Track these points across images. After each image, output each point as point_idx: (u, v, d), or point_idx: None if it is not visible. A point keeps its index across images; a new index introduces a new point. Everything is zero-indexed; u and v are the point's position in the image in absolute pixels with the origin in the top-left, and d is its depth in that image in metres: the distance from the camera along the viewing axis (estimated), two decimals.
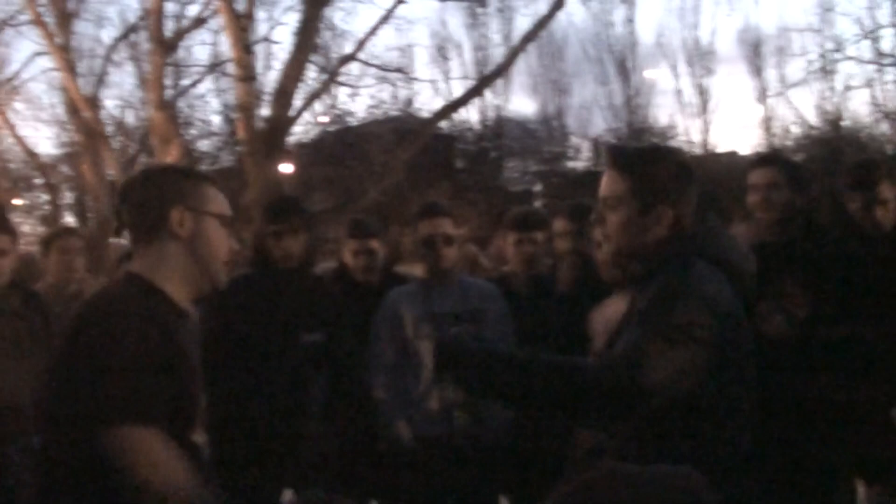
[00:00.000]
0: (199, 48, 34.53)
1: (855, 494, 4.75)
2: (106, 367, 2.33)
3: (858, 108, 35.55)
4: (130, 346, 2.36)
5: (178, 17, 21.28)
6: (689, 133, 31.18)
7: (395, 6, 18.43)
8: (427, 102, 30.39)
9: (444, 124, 25.13)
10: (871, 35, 26.08)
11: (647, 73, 31.55)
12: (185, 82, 26.15)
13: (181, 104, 26.82)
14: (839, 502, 4.46)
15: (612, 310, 3.33)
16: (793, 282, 4.28)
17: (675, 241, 2.79)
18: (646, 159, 2.89)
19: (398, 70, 25.38)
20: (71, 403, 2.36)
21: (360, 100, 39.30)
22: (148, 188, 2.72)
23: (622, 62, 31.53)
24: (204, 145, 29.60)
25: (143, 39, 25.21)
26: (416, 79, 28.42)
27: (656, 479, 1.46)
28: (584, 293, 4.57)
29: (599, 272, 2.98)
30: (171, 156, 15.88)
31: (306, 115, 22.62)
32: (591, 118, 31.97)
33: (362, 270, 5.21)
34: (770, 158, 4.94)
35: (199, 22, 20.12)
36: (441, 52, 31.15)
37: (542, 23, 18.72)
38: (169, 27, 18.73)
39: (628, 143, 3.54)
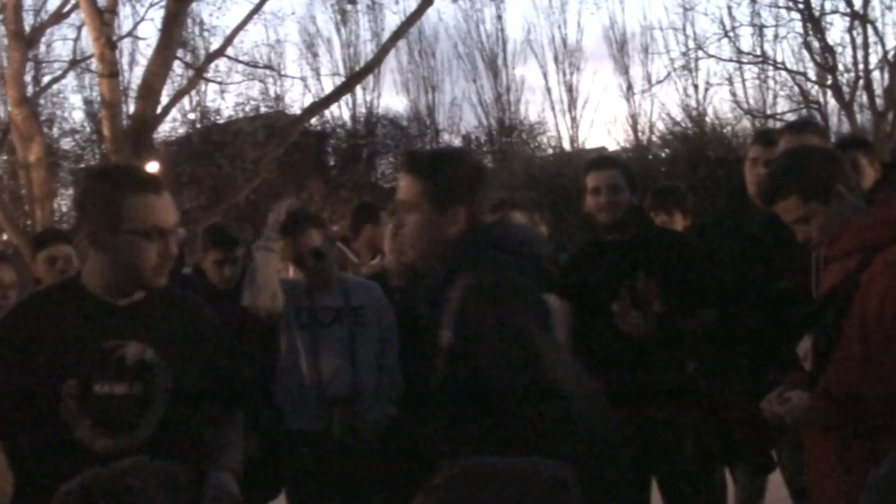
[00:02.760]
0: (61, 43, 33.55)
1: (724, 481, 4.90)
2: None
3: (720, 105, 36.64)
4: None
5: (38, 10, 20.75)
6: (558, 129, 31.69)
7: (263, 1, 18.25)
8: (297, 99, 30.19)
9: (315, 121, 25.00)
10: (731, 34, 26.91)
11: (517, 70, 31.92)
12: (47, 78, 25.53)
13: (43, 101, 26.13)
14: (712, 487, 4.60)
15: None
16: (644, 279, 4.38)
17: (471, 238, 2.93)
18: (439, 162, 3.03)
19: (267, 66, 25.21)
20: None
21: (229, 97, 38.99)
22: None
23: (492, 59, 31.84)
24: (67, 143, 28.88)
25: (0, 33, 24.54)
26: (285, 75, 28.33)
27: (520, 472, 1.47)
28: None
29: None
30: (32, 154, 15.41)
31: (173, 113, 22.27)
32: (462, 115, 32.20)
33: (223, 280, 5.12)
34: (610, 160, 5.03)
35: (60, 16, 19.61)
36: (310, 49, 31.02)
37: (412, 19, 18.74)
38: (28, 21, 18.23)
39: (424, 149, 3.69)
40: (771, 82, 28.54)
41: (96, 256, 2.83)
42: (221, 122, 26.67)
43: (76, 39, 23.24)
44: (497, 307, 2.73)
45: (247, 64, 22.69)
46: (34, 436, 2.73)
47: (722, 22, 27.56)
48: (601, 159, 5.03)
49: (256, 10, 18.52)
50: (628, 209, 4.58)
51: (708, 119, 26.79)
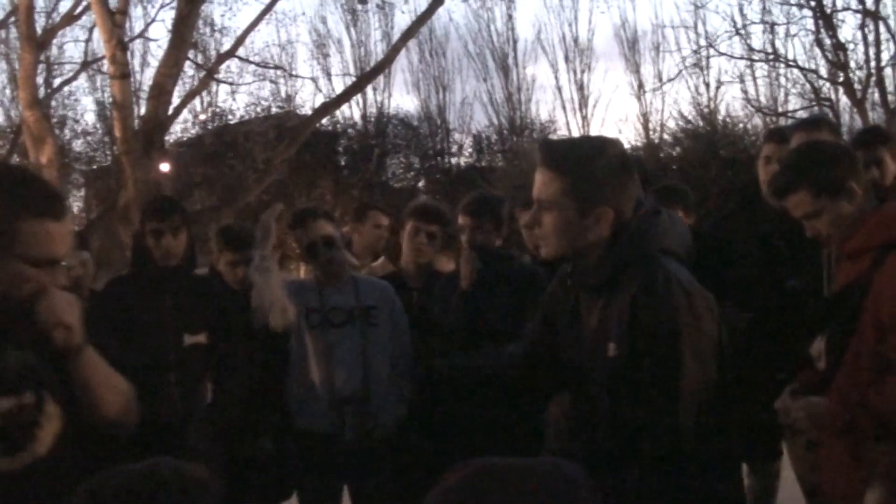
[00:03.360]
0: (73, 45, 33.72)
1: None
2: None
3: (732, 103, 36.58)
4: None
5: (49, 13, 20.83)
6: (569, 128, 31.68)
7: (273, 2, 18.27)
8: (308, 100, 30.30)
9: (326, 121, 25.02)
10: (742, 31, 26.86)
11: (528, 70, 31.93)
12: (59, 80, 25.64)
13: (54, 103, 26.24)
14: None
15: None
16: None
17: (629, 238, 2.74)
18: (581, 156, 2.77)
19: (278, 67, 25.25)
20: None
21: (240, 97, 39.06)
22: None
23: (503, 58, 31.85)
24: (79, 144, 29.00)
25: (12, 36, 24.64)
26: (296, 76, 28.40)
27: (533, 472, 1.47)
28: (484, 288, 4.58)
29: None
30: (44, 155, 15.45)
31: (185, 114, 22.32)
32: (473, 114, 32.22)
33: (237, 281, 5.12)
34: None
35: (72, 18, 19.67)
36: (321, 49, 31.07)
37: (422, 19, 18.76)
38: (40, 23, 18.28)
39: (563, 140, 3.47)
40: (782, 80, 28.56)
41: None
42: (233, 122, 26.73)
43: (88, 41, 23.35)
44: (665, 320, 2.59)
45: (258, 64, 22.73)
46: None
47: (733, 19, 27.60)
48: None
49: (267, 10, 18.56)
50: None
51: (719, 117, 26.76)
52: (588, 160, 2.74)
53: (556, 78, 32.81)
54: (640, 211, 2.79)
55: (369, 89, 29.26)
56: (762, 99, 28.39)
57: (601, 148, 2.79)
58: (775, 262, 4.41)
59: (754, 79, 28.45)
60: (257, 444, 4.74)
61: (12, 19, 21.18)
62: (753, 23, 27.29)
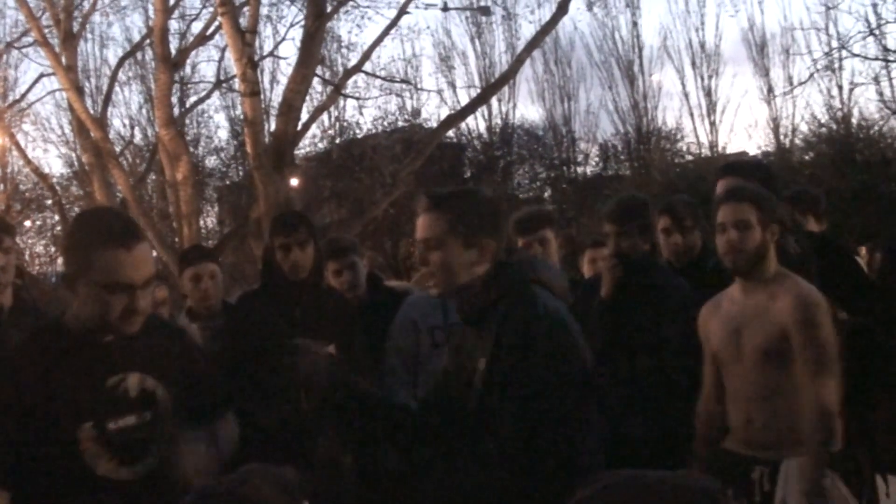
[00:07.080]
0: (205, 65, 34.71)
1: (876, 490, 4.73)
2: None
3: (867, 105, 35.50)
4: None
5: (183, 34, 21.47)
6: (696, 135, 31.20)
7: (398, 17, 18.46)
8: (433, 112, 30.64)
9: (451, 133, 25.17)
10: (876, 31, 26.02)
11: (654, 77, 31.57)
12: (192, 99, 26.41)
13: (189, 121, 27.04)
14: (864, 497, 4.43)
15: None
16: None
17: (503, 271, 2.98)
18: (460, 196, 3.08)
19: (404, 81, 25.50)
20: None
21: (367, 111, 39.65)
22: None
23: (628, 66, 31.56)
24: (212, 161, 29.81)
25: (148, 58, 25.47)
26: (421, 89, 28.61)
27: (674, 486, 1.45)
28: (625, 297, 4.49)
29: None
30: (179, 172, 15.91)
31: (313, 129, 22.72)
32: (599, 123, 31.98)
33: (347, 288, 5.16)
34: (735, 167, 4.57)
35: (204, 39, 20.23)
36: (446, 62, 31.30)
37: (546, 29, 18.70)
38: (174, 45, 18.84)
39: (441, 189, 3.66)
40: None
41: (74, 298, 2.88)
42: (360, 136, 27.11)
43: (220, 60, 24.01)
44: (527, 343, 2.79)
45: (384, 79, 23.00)
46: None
47: (867, 19, 26.62)
48: (726, 167, 4.65)
49: (392, 25, 18.75)
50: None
51: (854, 120, 25.96)
52: (466, 198, 3.06)
53: (683, 84, 32.31)
54: (514, 252, 3.20)
55: (494, 100, 29.39)
56: None
57: (476, 190, 3.20)
58: None
59: (890, 80, 27.52)
60: (381, 456, 4.75)
61: (148, 41, 21.88)
62: (888, 22, 26.40)
